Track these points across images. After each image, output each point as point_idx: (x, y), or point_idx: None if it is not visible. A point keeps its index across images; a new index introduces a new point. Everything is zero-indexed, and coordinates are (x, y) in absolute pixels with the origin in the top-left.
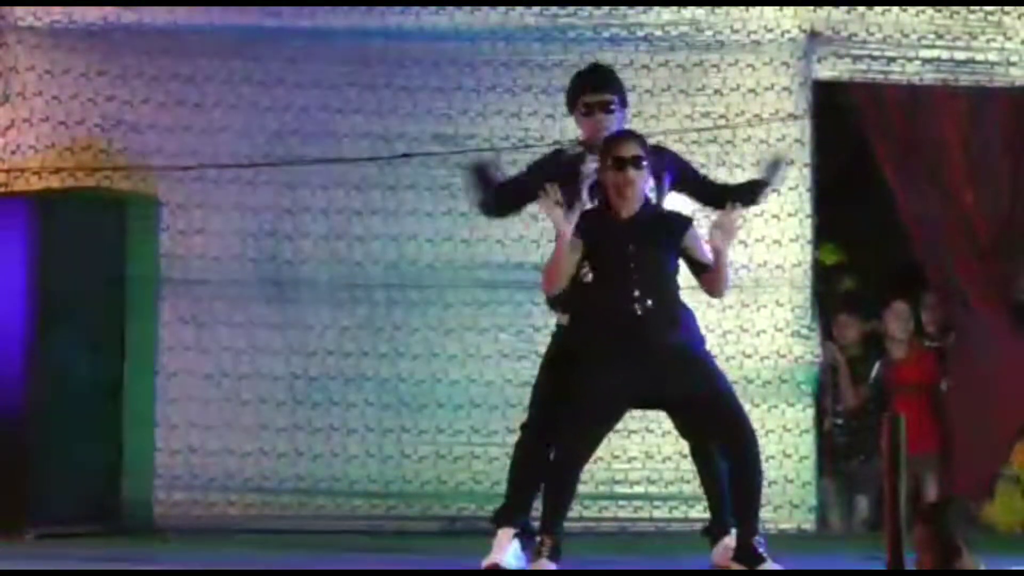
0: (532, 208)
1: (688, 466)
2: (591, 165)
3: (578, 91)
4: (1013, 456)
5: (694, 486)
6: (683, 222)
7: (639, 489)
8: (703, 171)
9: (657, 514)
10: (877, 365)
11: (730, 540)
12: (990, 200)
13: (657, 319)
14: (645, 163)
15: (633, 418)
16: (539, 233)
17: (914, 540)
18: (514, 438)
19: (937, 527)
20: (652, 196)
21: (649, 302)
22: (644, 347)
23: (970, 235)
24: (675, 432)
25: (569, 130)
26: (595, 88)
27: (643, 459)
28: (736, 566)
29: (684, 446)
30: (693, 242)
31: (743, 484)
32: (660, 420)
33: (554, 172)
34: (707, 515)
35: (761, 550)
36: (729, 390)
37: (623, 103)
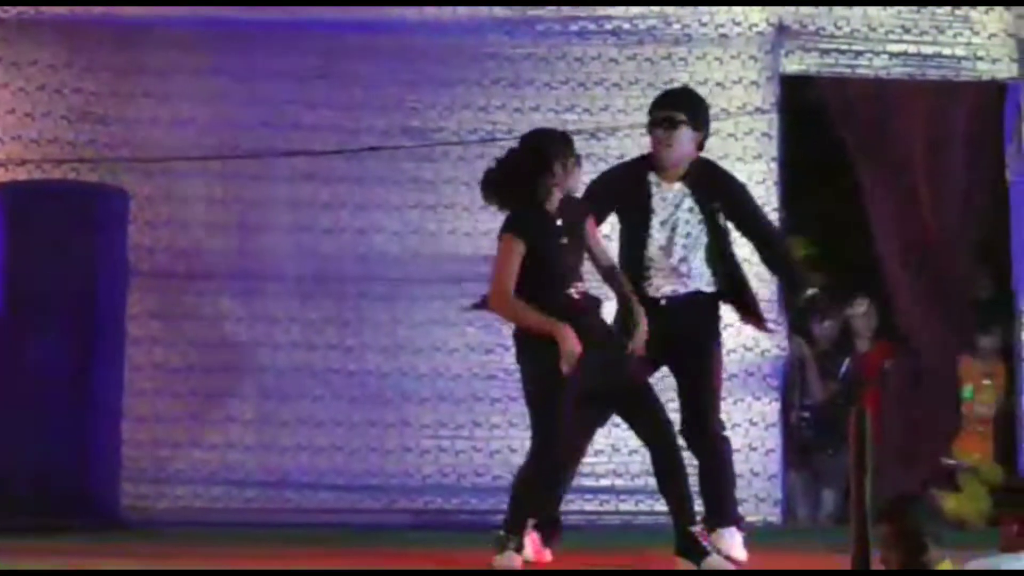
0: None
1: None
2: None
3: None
4: (955, 447)
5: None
6: (584, 209)
7: (605, 483)
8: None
9: (623, 507)
10: (847, 361)
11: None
12: (947, 197)
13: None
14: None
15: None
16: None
17: (878, 536)
18: (482, 432)
19: (901, 523)
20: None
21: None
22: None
23: (922, 231)
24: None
25: (536, 123)
26: (657, 104)
27: (609, 452)
28: (682, 563)
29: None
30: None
31: (665, 473)
32: None
33: (619, 186)
34: None
35: (704, 542)
36: (644, 383)
37: (691, 120)
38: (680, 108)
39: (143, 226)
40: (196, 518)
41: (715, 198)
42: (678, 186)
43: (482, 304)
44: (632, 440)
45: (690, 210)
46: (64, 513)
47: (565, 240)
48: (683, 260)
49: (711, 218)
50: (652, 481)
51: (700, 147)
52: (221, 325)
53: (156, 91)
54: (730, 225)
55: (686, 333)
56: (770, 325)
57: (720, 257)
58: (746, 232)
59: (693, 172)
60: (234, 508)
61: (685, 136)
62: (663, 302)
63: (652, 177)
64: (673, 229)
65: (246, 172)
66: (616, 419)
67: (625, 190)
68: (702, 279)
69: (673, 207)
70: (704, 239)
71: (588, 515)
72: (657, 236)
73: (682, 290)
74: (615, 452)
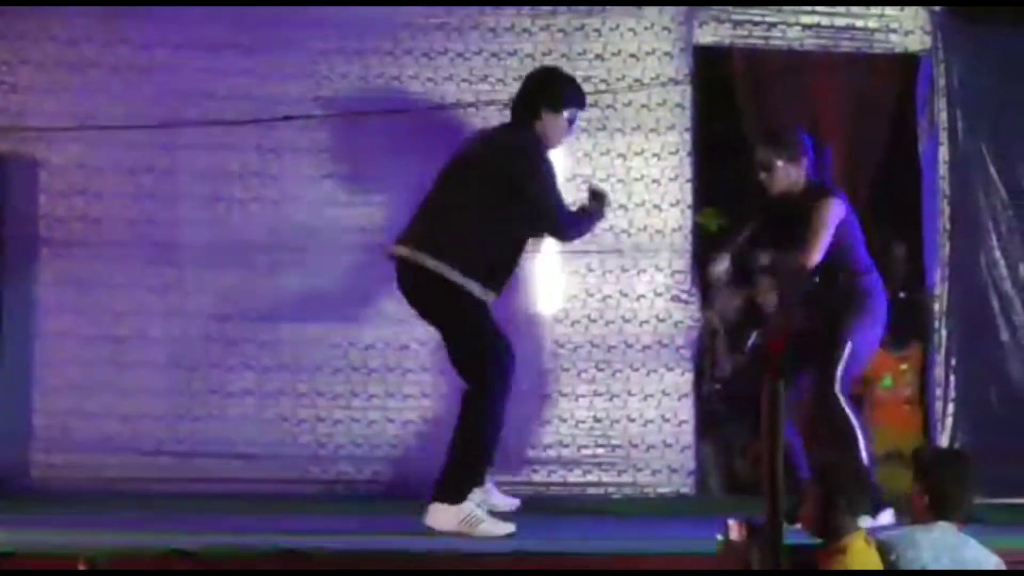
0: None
1: (601, 430)
2: None
3: None
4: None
5: (608, 450)
6: None
7: (551, 453)
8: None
9: (571, 478)
10: (754, 334)
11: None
12: (859, 169)
13: None
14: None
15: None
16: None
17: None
18: (394, 402)
19: (823, 481)
20: None
21: None
22: None
23: None
24: (588, 396)
25: (450, 94)
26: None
27: (556, 423)
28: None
29: (598, 410)
30: None
31: None
32: (573, 384)
33: None
34: (622, 479)
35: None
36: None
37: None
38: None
39: (55, 195)
40: (107, 487)
41: None
42: None
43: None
44: (579, 411)
45: None
46: None
47: None
48: None
49: None
50: (600, 452)
51: None
52: (133, 294)
53: (67, 59)
54: None
55: None
56: (683, 296)
57: None
58: None
59: None
60: (146, 477)
61: None
62: None
63: None
64: None
65: (158, 141)
66: (563, 389)
67: None
68: None
69: None
70: None
71: (536, 486)
72: None
73: None
74: (562, 423)
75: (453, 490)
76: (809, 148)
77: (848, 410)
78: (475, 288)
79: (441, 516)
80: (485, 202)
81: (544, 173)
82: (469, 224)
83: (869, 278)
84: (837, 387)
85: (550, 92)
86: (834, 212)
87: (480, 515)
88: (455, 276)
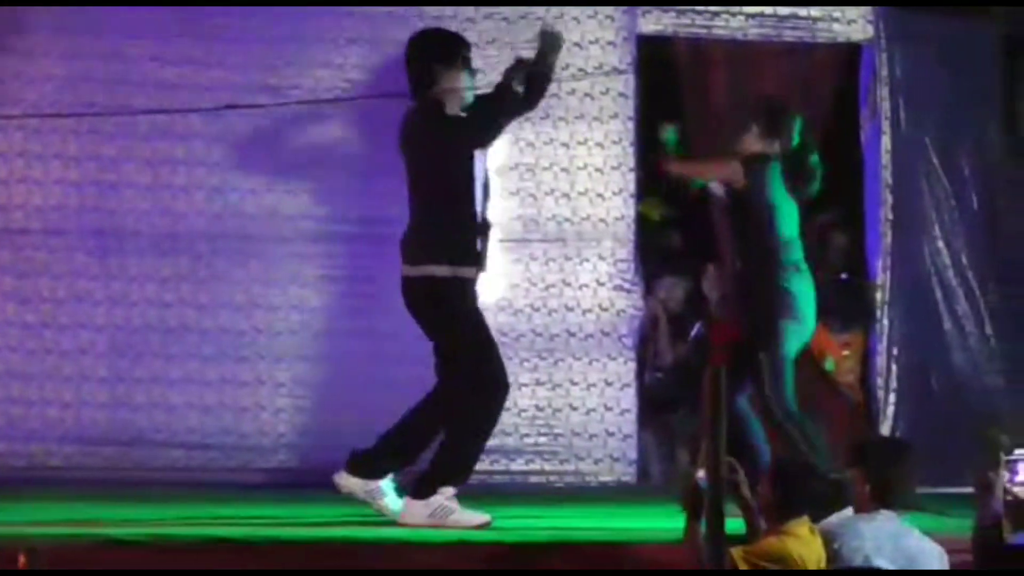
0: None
1: (544, 419)
2: None
3: None
4: None
5: (550, 439)
6: None
7: (494, 442)
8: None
9: (514, 467)
10: (697, 325)
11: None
12: None
13: None
14: None
15: None
16: (362, 186)
17: None
18: (335, 390)
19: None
20: None
21: None
22: None
23: None
24: (531, 384)
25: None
26: None
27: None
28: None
29: (540, 399)
30: None
31: None
32: (516, 373)
33: None
34: (564, 468)
35: None
36: None
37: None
38: None
39: None
40: (50, 476)
41: None
42: None
43: None
44: (522, 400)
45: None
46: None
47: None
48: None
49: None
50: (542, 440)
51: None
52: (76, 282)
53: (13, 47)
54: None
55: None
56: (626, 285)
57: None
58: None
59: None
60: (89, 466)
61: None
62: None
63: None
64: None
65: (103, 129)
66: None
67: None
68: None
69: None
70: None
71: (479, 475)
72: None
73: None
74: (504, 411)
75: (424, 485)
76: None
77: (781, 413)
78: (443, 270)
79: (413, 510)
80: (417, 187)
81: (446, 130)
82: (414, 215)
83: (796, 275)
84: (768, 390)
85: (433, 50)
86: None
87: (450, 506)
88: (422, 269)
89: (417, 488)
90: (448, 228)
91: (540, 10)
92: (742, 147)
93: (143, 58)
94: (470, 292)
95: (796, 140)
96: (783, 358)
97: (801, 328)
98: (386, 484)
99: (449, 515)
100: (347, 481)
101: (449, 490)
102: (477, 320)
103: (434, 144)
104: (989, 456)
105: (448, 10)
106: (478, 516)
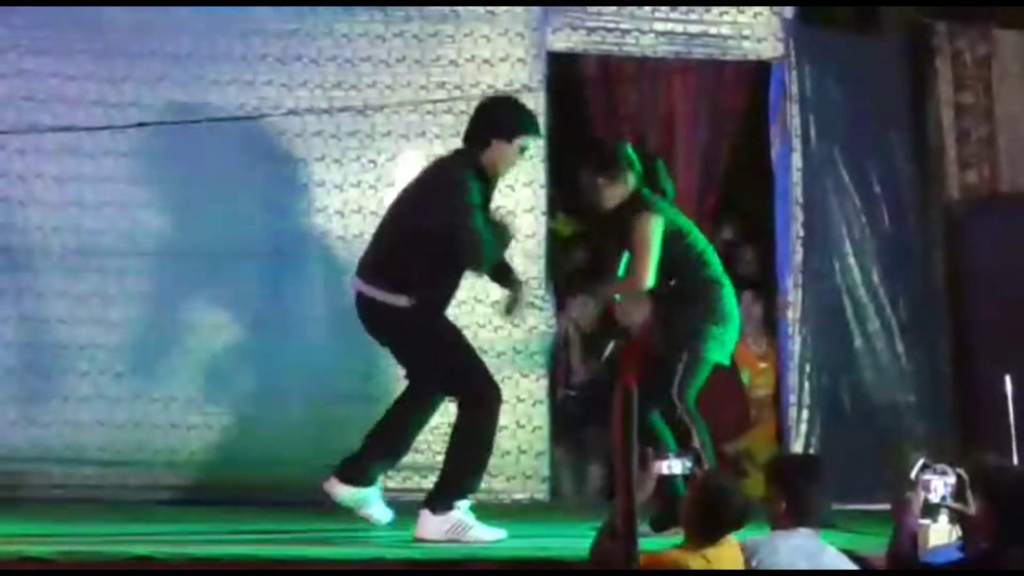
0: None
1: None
2: None
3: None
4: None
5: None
6: None
7: (406, 459)
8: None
9: (425, 484)
10: (612, 344)
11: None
12: (710, 176)
13: None
14: None
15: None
16: (272, 205)
17: None
18: (247, 407)
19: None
20: None
21: None
22: None
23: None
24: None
25: (303, 99)
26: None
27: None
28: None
29: (452, 415)
30: None
31: None
32: None
33: None
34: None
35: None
36: None
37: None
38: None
39: None
40: None
41: None
42: None
43: None
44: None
45: None
46: None
47: None
48: None
49: None
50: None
51: None
52: None
53: None
54: None
55: None
56: (537, 302)
57: None
58: None
59: None
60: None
61: None
62: None
63: None
64: None
65: (10, 146)
66: None
67: None
68: None
69: None
70: None
71: (393, 492)
72: None
73: None
74: None
75: (441, 500)
76: (632, 162)
77: (682, 408)
78: (404, 301)
79: (429, 526)
80: (416, 225)
81: (461, 210)
82: (398, 245)
83: (719, 287)
84: (675, 391)
85: (500, 121)
86: (652, 226)
87: (468, 522)
88: (385, 296)
89: (434, 503)
90: (424, 266)
91: (450, 27)
92: (608, 203)
93: (48, 75)
94: (434, 323)
95: (634, 162)
96: (701, 360)
97: (725, 333)
98: (373, 493)
99: (468, 531)
100: (337, 489)
101: (464, 503)
102: (449, 342)
103: (447, 195)
104: (900, 473)
105: (359, 27)
106: (494, 532)
